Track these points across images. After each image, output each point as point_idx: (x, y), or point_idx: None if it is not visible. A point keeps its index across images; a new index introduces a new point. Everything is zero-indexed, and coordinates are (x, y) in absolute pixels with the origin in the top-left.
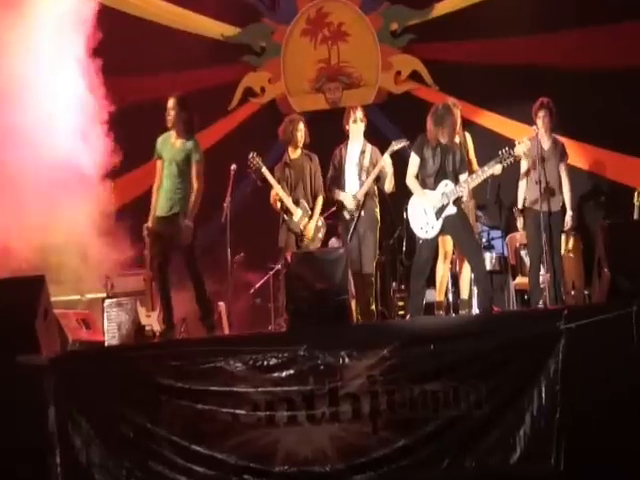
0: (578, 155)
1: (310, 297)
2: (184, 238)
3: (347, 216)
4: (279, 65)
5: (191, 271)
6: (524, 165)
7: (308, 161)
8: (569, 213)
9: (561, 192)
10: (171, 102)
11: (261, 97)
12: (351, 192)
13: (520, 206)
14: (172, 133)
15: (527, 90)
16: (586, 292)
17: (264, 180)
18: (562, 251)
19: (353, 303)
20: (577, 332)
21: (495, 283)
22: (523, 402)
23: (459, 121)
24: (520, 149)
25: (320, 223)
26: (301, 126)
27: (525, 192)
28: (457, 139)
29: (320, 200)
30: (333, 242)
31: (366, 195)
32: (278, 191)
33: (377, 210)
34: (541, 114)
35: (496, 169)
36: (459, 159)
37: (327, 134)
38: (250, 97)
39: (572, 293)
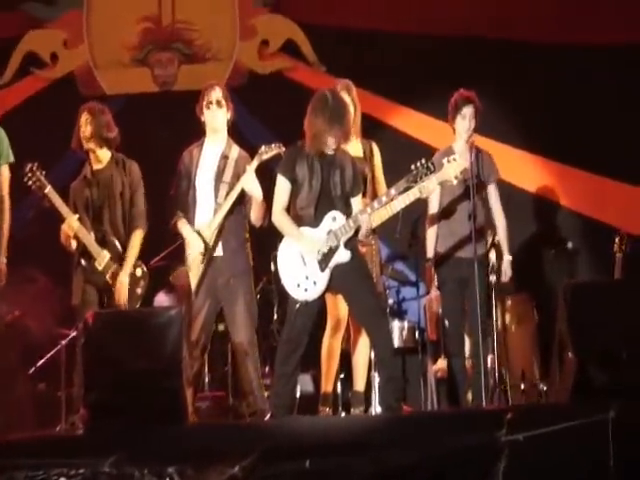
0: (533, 176)
1: (122, 382)
2: None
3: (194, 259)
4: (81, 20)
5: None
6: (434, 201)
7: (120, 172)
8: (507, 258)
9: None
10: None
11: (51, 69)
12: (203, 223)
13: (431, 254)
14: None
15: (465, 74)
16: (542, 386)
17: (53, 204)
18: (507, 322)
19: (189, 393)
20: (525, 447)
21: (407, 368)
22: None
23: (357, 119)
24: (451, 171)
25: (140, 272)
26: (86, 118)
27: (437, 232)
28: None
29: (138, 235)
30: (161, 298)
31: (226, 226)
32: (72, 224)
33: (246, 248)
34: (467, 112)
35: (419, 192)
36: (351, 176)
37: (157, 132)
38: (34, 68)
39: (521, 387)
